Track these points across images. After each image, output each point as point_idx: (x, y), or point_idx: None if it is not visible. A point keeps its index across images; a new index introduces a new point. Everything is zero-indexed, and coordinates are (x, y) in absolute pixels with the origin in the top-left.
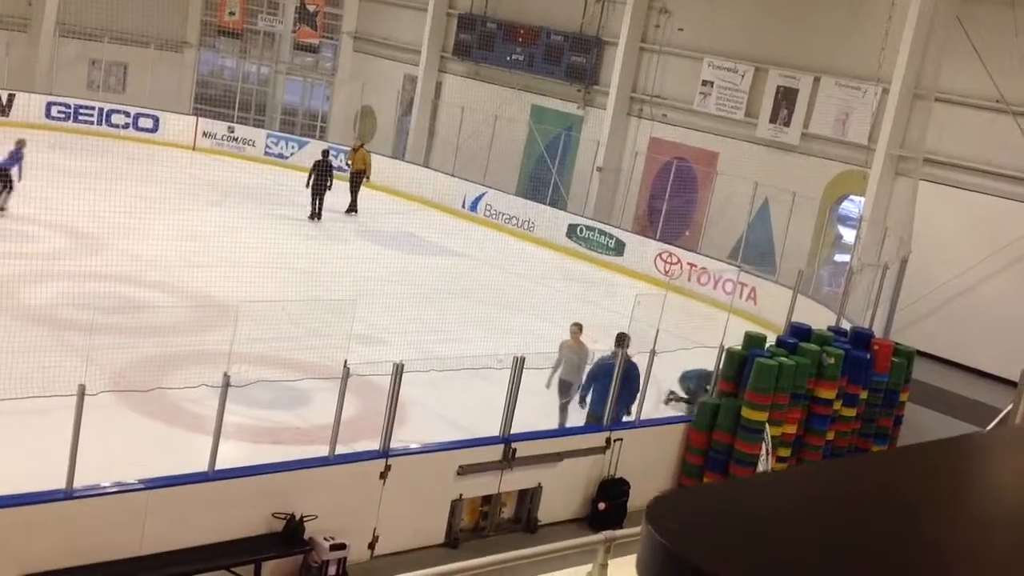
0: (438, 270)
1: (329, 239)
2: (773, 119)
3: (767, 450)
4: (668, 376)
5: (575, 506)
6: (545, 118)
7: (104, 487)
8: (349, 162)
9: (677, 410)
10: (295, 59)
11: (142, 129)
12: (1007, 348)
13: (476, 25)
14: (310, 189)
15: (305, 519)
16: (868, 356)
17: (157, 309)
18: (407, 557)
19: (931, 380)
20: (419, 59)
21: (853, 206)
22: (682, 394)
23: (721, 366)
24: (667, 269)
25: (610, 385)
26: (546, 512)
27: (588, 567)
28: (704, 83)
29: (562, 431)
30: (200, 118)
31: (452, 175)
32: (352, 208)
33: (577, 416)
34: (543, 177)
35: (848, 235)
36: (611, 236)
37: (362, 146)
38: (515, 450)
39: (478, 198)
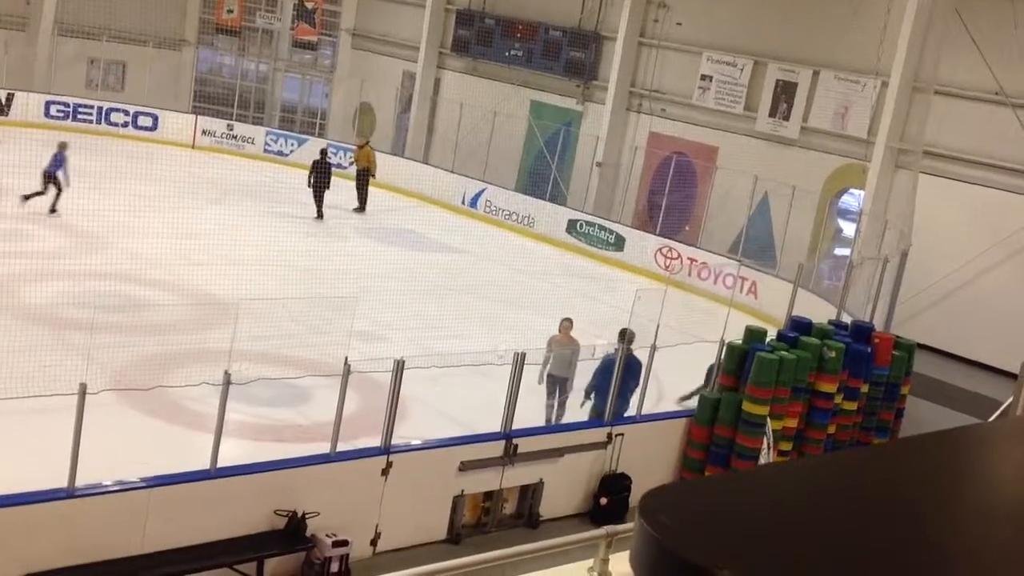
0: (438, 266)
1: (329, 236)
2: (772, 113)
3: (768, 444)
4: (668, 371)
5: (577, 501)
6: (544, 114)
7: (105, 486)
8: (353, 160)
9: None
10: (294, 56)
11: (141, 127)
12: (1007, 341)
13: (474, 21)
14: (312, 188)
15: (307, 516)
16: (869, 349)
17: (158, 307)
18: (409, 553)
19: (932, 373)
20: (418, 55)
21: (853, 199)
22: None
23: (722, 360)
24: (667, 264)
25: (612, 381)
26: (548, 507)
27: (590, 562)
28: (703, 77)
29: (563, 426)
30: (199, 116)
31: (452, 171)
32: (361, 207)
33: (580, 411)
34: (543, 173)
35: (848, 229)
36: (611, 231)
37: (367, 143)
38: (516, 446)
39: (478, 194)
